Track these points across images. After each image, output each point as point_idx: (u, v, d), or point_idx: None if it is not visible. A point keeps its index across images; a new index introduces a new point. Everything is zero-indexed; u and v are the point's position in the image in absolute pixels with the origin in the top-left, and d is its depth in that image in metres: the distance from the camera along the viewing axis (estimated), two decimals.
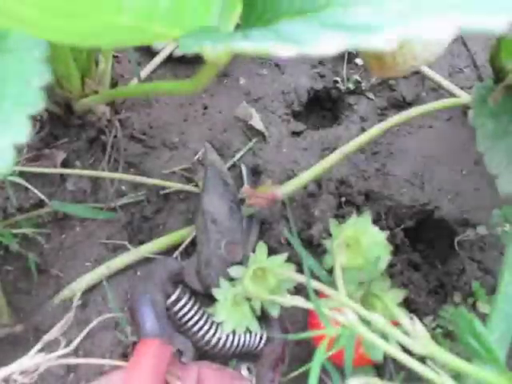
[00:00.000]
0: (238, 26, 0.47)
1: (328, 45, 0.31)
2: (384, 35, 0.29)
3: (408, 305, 0.72)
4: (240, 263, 0.66)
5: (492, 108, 0.61)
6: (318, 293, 0.63)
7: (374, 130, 0.80)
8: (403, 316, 0.51)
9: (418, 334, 0.49)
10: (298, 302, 0.56)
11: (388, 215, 0.82)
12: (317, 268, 0.61)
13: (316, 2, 0.41)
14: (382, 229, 0.79)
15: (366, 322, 0.51)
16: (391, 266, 0.76)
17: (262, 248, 0.64)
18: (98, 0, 0.28)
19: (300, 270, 0.73)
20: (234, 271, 0.64)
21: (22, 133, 0.35)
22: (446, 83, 0.93)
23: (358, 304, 0.57)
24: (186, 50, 0.31)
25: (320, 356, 0.50)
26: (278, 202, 0.75)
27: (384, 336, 0.50)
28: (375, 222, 0.81)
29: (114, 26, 0.33)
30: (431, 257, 0.82)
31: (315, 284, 0.57)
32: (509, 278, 0.60)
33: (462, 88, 0.93)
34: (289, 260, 0.74)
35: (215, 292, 0.63)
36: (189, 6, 0.36)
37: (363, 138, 0.80)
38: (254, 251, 0.65)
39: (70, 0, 0.27)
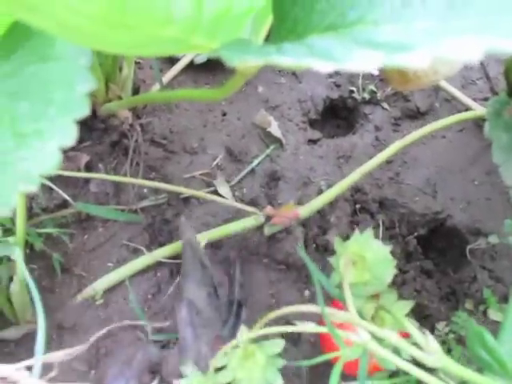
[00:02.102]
0: (266, 39, 0.49)
1: (364, 62, 0.33)
2: (417, 54, 0.31)
3: (421, 311, 0.73)
4: None
5: (507, 121, 0.63)
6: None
7: (394, 148, 0.81)
8: (415, 330, 0.53)
9: (430, 348, 0.50)
10: (309, 328, 0.56)
11: (401, 223, 0.83)
12: (328, 285, 0.62)
13: (346, 18, 0.42)
14: (394, 236, 0.82)
15: (379, 339, 0.53)
16: (404, 272, 0.78)
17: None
18: (151, 13, 0.30)
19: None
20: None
21: (69, 136, 0.37)
22: (459, 95, 0.95)
23: (369, 319, 0.59)
24: (229, 62, 0.33)
25: (336, 376, 0.52)
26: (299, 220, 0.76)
27: (396, 350, 0.51)
28: (388, 229, 0.83)
29: (159, 37, 0.35)
30: (443, 264, 0.83)
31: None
32: None
33: (474, 99, 0.95)
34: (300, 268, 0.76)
35: None
36: (227, 20, 0.38)
37: (384, 154, 0.81)
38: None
39: (125, 12, 0.29)
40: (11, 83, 0.45)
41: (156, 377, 0.61)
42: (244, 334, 0.58)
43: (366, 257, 0.61)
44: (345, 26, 0.42)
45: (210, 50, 0.40)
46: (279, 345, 0.58)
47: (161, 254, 0.74)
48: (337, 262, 0.62)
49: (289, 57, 0.33)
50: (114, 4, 0.28)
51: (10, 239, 0.63)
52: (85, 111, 0.37)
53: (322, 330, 0.54)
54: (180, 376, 0.58)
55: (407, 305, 0.61)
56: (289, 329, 0.56)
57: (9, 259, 0.65)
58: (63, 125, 0.38)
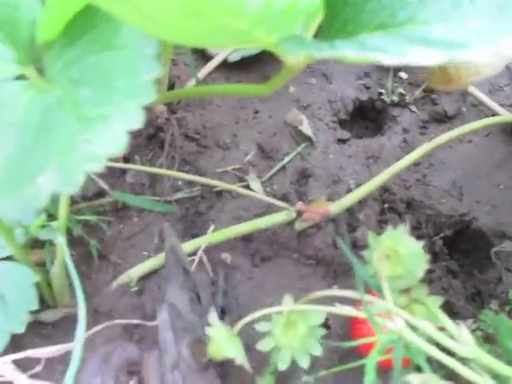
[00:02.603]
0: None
1: (421, 57, 0.35)
2: (476, 50, 0.32)
3: (448, 308, 0.75)
4: (206, 366, 0.60)
5: None
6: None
7: (422, 150, 0.83)
8: (449, 321, 0.55)
9: (463, 338, 0.52)
10: (347, 311, 0.58)
11: (428, 223, 0.85)
12: (366, 276, 0.64)
13: (397, 18, 0.44)
14: (421, 236, 0.84)
15: (413, 328, 0.55)
16: (430, 271, 0.79)
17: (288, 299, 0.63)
18: (226, 4, 0.32)
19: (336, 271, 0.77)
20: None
21: (135, 119, 0.39)
22: (486, 100, 0.97)
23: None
24: (291, 55, 0.35)
25: (372, 362, 0.53)
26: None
27: (429, 341, 0.53)
28: (415, 229, 0.84)
29: (227, 29, 0.36)
30: (467, 265, 0.85)
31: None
32: None
33: (501, 105, 0.97)
34: (329, 263, 0.78)
35: None
36: (288, 16, 0.40)
37: (412, 156, 0.83)
38: None
39: (204, 1, 0.31)
40: (73, 70, 0.47)
41: (133, 377, 0.60)
42: (288, 303, 0.61)
43: (400, 251, 0.63)
44: (395, 26, 0.44)
45: (268, 44, 0.42)
46: (321, 316, 0.61)
47: (194, 244, 0.75)
48: (370, 256, 0.64)
49: (348, 51, 0.35)
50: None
51: (54, 224, 0.65)
52: (151, 97, 0.39)
53: (360, 314, 0.56)
54: (160, 378, 0.59)
55: (437, 300, 0.63)
56: (327, 309, 0.58)
57: (51, 243, 0.67)
58: (128, 109, 0.40)
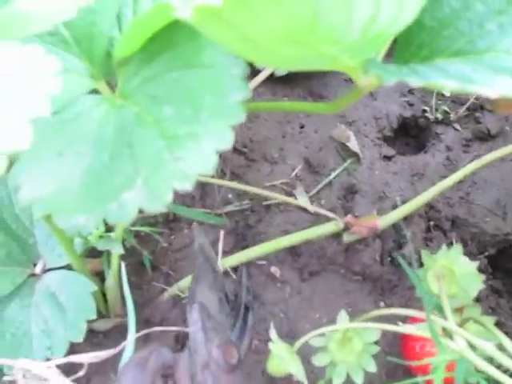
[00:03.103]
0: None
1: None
2: None
3: (498, 328, 0.75)
4: (236, 366, 0.59)
5: None
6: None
7: (466, 169, 0.83)
8: (508, 341, 0.55)
9: None
10: (410, 329, 0.59)
11: (473, 242, 0.85)
12: (428, 295, 0.64)
13: (476, 45, 0.45)
14: (466, 255, 0.84)
15: (473, 348, 0.55)
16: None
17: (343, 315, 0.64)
18: (332, 34, 0.33)
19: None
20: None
21: (225, 139, 0.40)
22: None
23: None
24: (387, 82, 0.36)
25: (438, 380, 0.54)
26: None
27: (489, 361, 0.53)
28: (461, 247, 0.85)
29: (319, 54, 0.37)
30: (510, 285, 0.85)
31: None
32: None
33: None
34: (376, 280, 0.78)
35: None
36: (372, 42, 0.40)
37: (456, 175, 0.83)
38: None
39: (307, 32, 0.32)
40: (152, 86, 0.48)
41: (168, 381, 0.60)
42: (344, 320, 0.62)
43: (455, 270, 0.63)
44: (474, 53, 0.44)
45: (348, 67, 0.42)
46: (376, 334, 0.62)
47: (243, 256, 0.76)
48: (424, 275, 0.64)
49: (451, 80, 0.36)
50: (309, 24, 0.31)
51: (112, 235, 0.67)
52: (240, 118, 0.40)
53: (425, 334, 0.57)
54: (190, 378, 0.58)
55: (491, 319, 0.64)
56: (386, 327, 0.58)
57: (108, 254, 0.68)
58: (218, 129, 0.41)
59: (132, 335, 0.62)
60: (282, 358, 0.59)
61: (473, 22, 0.46)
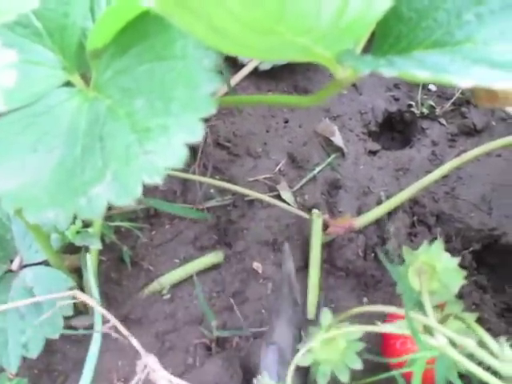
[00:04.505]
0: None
1: (484, 79, 0.34)
2: None
3: (481, 324, 0.74)
4: None
5: None
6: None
7: (450, 164, 0.82)
8: (490, 338, 0.55)
9: (505, 356, 0.52)
10: (390, 328, 0.59)
11: (457, 237, 0.85)
12: (410, 291, 0.63)
13: (454, 36, 0.44)
14: (450, 250, 0.83)
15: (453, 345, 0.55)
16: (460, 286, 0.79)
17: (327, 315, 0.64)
18: (301, 22, 0.32)
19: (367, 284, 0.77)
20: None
21: (195, 132, 0.39)
22: None
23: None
24: (361, 73, 0.35)
25: (417, 379, 0.53)
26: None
27: (470, 358, 0.53)
28: (445, 243, 0.84)
29: (291, 44, 0.37)
30: (495, 280, 0.84)
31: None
32: None
33: None
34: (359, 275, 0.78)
35: None
36: (346, 32, 0.40)
37: (441, 170, 0.82)
38: None
39: (280, 20, 0.31)
40: (125, 79, 0.47)
41: None
42: (327, 318, 0.62)
43: (436, 266, 0.63)
44: (452, 44, 0.44)
45: (324, 58, 0.41)
46: (359, 331, 0.61)
47: (226, 253, 0.76)
48: (405, 271, 0.64)
49: (426, 70, 0.35)
50: (274, 11, 0.30)
51: (90, 230, 0.65)
52: (211, 110, 0.39)
53: (405, 331, 0.56)
54: None
55: (472, 315, 0.63)
56: (368, 328, 0.58)
57: (86, 249, 0.67)
58: (188, 121, 0.40)
59: (98, 331, 0.61)
60: None
61: (451, 12, 0.45)
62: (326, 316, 0.63)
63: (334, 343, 0.61)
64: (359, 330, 0.60)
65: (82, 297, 0.59)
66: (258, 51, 0.38)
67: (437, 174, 0.83)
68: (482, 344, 0.55)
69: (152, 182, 0.40)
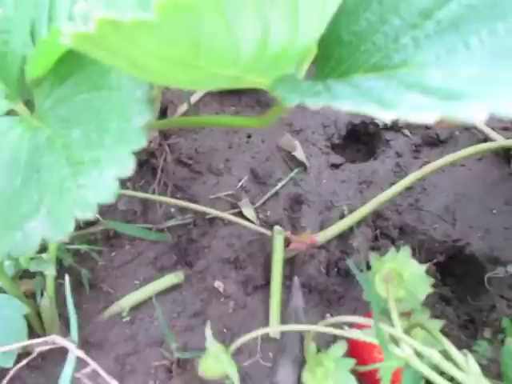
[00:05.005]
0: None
1: (415, 107, 0.34)
2: (473, 105, 0.32)
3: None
4: None
5: None
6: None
7: (414, 176, 0.82)
8: (454, 349, 0.55)
9: (469, 368, 0.52)
10: (357, 334, 0.58)
11: (421, 249, 0.85)
12: (376, 300, 0.63)
13: (392, 60, 0.44)
14: None
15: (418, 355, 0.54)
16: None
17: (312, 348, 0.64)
18: (220, 56, 0.32)
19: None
20: None
21: (126, 167, 0.39)
22: (478, 124, 0.97)
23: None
24: (289, 104, 0.35)
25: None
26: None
27: (435, 369, 0.53)
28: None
29: (220, 76, 0.36)
30: (460, 292, 0.85)
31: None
32: None
33: (493, 129, 0.97)
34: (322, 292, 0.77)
35: None
36: (283, 59, 0.39)
37: (404, 182, 0.82)
38: None
39: (198, 56, 0.31)
40: (63, 108, 0.47)
41: None
42: (310, 346, 0.62)
43: (403, 274, 0.62)
44: (390, 68, 0.44)
45: (262, 85, 0.41)
46: (342, 347, 0.61)
47: (186, 273, 0.75)
48: (372, 278, 0.63)
49: (345, 101, 0.34)
50: (190, 48, 0.30)
51: (44, 256, 0.65)
52: (142, 143, 0.39)
53: (373, 340, 0.56)
54: None
55: (438, 323, 0.63)
56: (335, 331, 0.57)
57: (41, 274, 0.67)
58: (120, 155, 0.39)
59: (73, 354, 0.60)
60: (217, 358, 0.58)
61: (388, 36, 0.45)
62: (309, 345, 0.62)
63: (323, 368, 0.60)
64: (341, 344, 0.60)
65: (61, 342, 0.58)
66: (186, 83, 0.38)
67: (400, 185, 0.83)
68: (446, 354, 0.55)
69: (85, 218, 0.39)
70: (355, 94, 0.40)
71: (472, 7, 0.41)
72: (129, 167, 0.39)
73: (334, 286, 0.78)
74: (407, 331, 0.62)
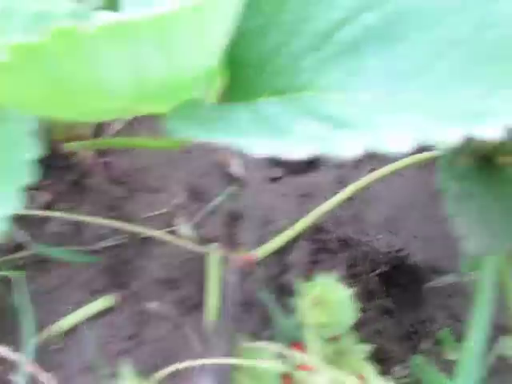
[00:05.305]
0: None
1: (305, 137, 0.33)
2: (355, 140, 0.31)
3: (380, 353, 0.74)
4: None
5: (459, 171, 0.64)
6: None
7: (354, 186, 0.81)
8: (373, 374, 0.54)
9: None
10: (272, 365, 0.57)
11: (364, 261, 0.84)
12: (287, 325, 0.63)
13: (294, 83, 0.43)
14: (357, 275, 0.83)
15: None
16: (364, 311, 0.78)
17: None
18: (94, 92, 0.30)
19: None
20: None
21: (14, 205, 0.37)
22: None
23: (329, 362, 0.60)
24: (176, 135, 0.34)
25: None
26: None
27: None
28: (351, 267, 0.83)
29: (106, 108, 0.35)
30: (403, 302, 0.84)
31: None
32: (474, 334, 0.62)
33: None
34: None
35: None
36: (176, 84, 0.38)
37: (344, 193, 0.82)
38: None
39: (69, 94, 0.30)
40: None
41: None
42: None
43: (328, 299, 0.62)
44: (292, 91, 0.43)
45: (159, 113, 0.40)
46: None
47: (120, 295, 0.73)
48: (298, 303, 0.63)
49: (231, 137, 0.33)
50: (57, 88, 0.28)
51: None
52: (30, 180, 0.37)
53: (282, 368, 0.55)
54: None
55: (366, 348, 0.62)
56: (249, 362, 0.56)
57: None
58: (7, 193, 0.37)
59: None
60: None
61: (292, 57, 0.44)
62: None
63: None
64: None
65: None
66: (74, 116, 0.36)
67: (339, 197, 0.82)
68: None
69: None
70: (250, 122, 0.39)
71: (371, 29, 0.41)
72: (17, 205, 0.37)
73: (272, 302, 0.77)
74: (335, 357, 0.62)
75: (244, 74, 0.47)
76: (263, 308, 0.76)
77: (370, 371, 0.56)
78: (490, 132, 0.28)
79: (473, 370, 0.57)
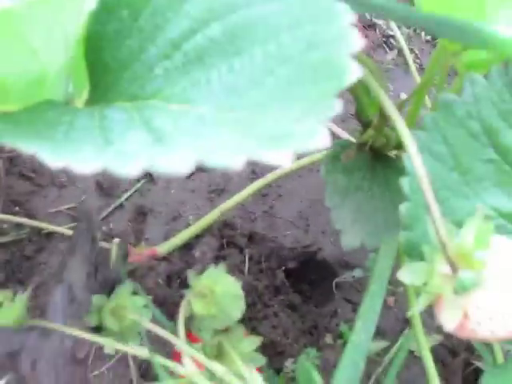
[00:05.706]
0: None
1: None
2: (176, 157, 0.31)
3: (274, 347, 0.75)
4: (82, 360, 0.58)
5: (345, 164, 0.65)
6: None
7: (265, 180, 0.81)
8: (243, 367, 0.55)
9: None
10: (142, 352, 0.58)
11: (270, 257, 0.85)
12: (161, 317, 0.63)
13: (145, 90, 0.43)
14: (262, 270, 0.84)
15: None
16: (267, 306, 0.80)
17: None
18: None
19: None
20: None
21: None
22: (335, 129, 0.98)
23: (215, 354, 0.61)
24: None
25: None
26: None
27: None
28: (257, 263, 0.84)
29: None
30: (312, 297, 0.86)
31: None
32: (360, 326, 0.63)
33: (352, 133, 0.98)
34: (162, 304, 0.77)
35: None
36: (23, 82, 0.38)
37: (255, 185, 0.82)
38: None
39: None
40: None
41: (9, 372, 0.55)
42: None
43: (216, 291, 0.63)
44: (143, 98, 0.43)
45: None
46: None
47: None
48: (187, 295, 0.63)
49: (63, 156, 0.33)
50: None
51: None
52: None
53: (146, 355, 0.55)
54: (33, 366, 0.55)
55: (255, 341, 0.63)
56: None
57: None
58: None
59: None
60: None
61: (145, 65, 0.45)
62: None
63: None
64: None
65: None
66: None
67: (250, 189, 0.82)
68: None
69: None
70: (94, 127, 0.39)
71: (214, 41, 0.41)
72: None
73: (174, 297, 0.78)
74: (222, 349, 0.63)
75: (107, 78, 0.47)
76: (166, 302, 0.77)
77: (240, 363, 0.57)
78: (277, 159, 0.28)
79: (352, 369, 0.58)
